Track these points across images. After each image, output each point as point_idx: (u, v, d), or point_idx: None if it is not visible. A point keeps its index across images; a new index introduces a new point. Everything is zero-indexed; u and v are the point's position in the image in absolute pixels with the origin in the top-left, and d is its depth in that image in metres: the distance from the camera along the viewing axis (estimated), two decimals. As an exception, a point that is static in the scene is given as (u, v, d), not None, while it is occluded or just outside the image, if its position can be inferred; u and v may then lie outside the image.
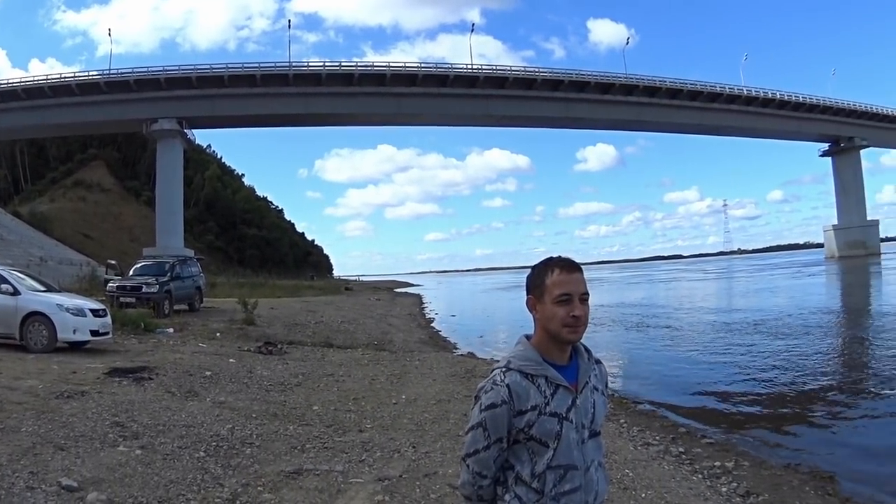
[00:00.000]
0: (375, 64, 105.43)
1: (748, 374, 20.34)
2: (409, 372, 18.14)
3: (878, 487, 10.36)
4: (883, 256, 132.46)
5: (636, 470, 9.81)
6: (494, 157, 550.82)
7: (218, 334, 24.07)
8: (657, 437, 12.94)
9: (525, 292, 3.24)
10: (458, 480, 3.33)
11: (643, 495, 8.67)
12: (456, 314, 54.51)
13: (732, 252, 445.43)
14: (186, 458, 8.70)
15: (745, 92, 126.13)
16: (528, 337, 3.23)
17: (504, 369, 3.09)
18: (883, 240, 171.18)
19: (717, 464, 11.16)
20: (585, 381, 3.19)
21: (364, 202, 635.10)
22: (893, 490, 10.28)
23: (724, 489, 9.84)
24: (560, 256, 3.21)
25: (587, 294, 3.15)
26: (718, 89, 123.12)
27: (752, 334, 29.54)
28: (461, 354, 25.78)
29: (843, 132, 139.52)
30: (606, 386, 3.41)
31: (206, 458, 8.76)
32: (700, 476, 10.39)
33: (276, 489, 7.95)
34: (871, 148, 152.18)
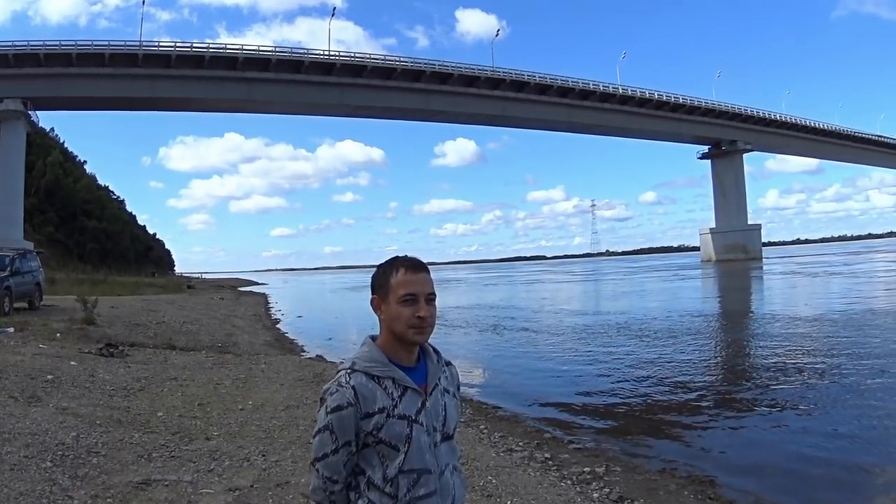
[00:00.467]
0: (228, 46, 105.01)
1: (614, 379, 20.84)
2: (256, 376, 18.11)
3: (761, 490, 10.71)
4: (765, 261, 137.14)
5: (500, 477, 9.90)
6: (347, 149, 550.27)
7: (58, 335, 23.56)
8: (521, 443, 13.06)
9: (370, 292, 3.29)
10: (308, 488, 3.29)
11: (508, 503, 8.79)
12: (303, 315, 54.89)
13: (600, 254, 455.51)
14: (34, 468, 8.60)
15: (621, 91, 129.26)
16: (373, 338, 3.28)
17: (349, 370, 3.12)
18: (766, 244, 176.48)
19: (587, 469, 11.37)
20: (435, 384, 3.25)
21: (208, 194, 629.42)
22: (778, 492, 10.65)
23: (595, 495, 10.04)
24: (406, 256, 3.28)
25: (434, 294, 3.22)
26: (591, 87, 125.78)
27: (617, 337, 30.52)
28: (309, 357, 26.03)
29: (726, 135, 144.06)
30: (458, 388, 3.49)
31: (54, 469, 8.67)
32: (569, 482, 10.54)
33: (126, 501, 7.93)
34: (754, 152, 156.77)
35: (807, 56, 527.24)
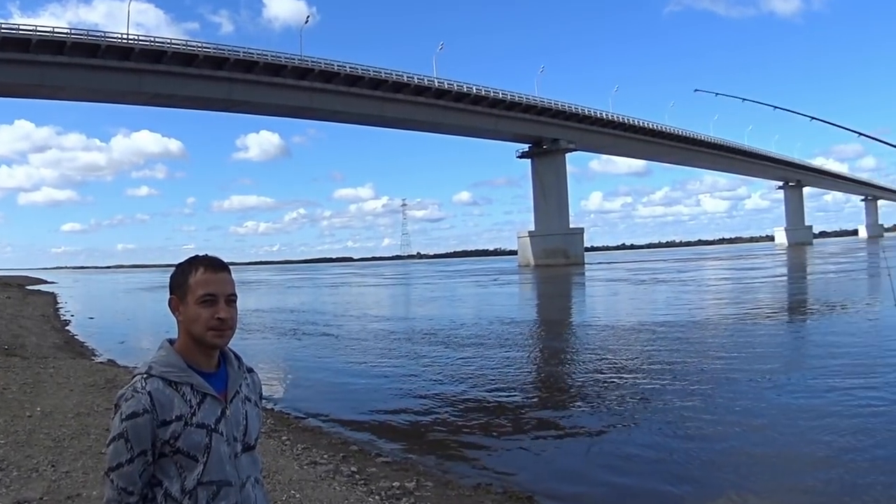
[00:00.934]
0: (21, 27, 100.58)
1: (422, 389, 20.92)
2: (44, 381, 17.69)
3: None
4: (587, 266, 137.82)
5: (304, 491, 9.89)
6: (143, 139, 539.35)
7: None
8: (325, 456, 12.91)
9: (168, 293, 3.24)
10: (102, 500, 3.12)
11: (313, 518, 8.68)
12: (95, 316, 53.75)
13: (411, 256, 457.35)
14: None
15: (437, 84, 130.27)
16: (171, 341, 3.23)
17: (145, 375, 3.06)
18: (589, 249, 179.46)
19: (396, 484, 11.27)
20: (236, 391, 3.25)
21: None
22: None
23: (405, 511, 10.02)
24: (206, 255, 3.25)
25: (234, 295, 3.22)
26: (406, 79, 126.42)
27: (424, 346, 30.59)
28: (101, 362, 25.63)
29: (548, 133, 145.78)
30: (260, 397, 3.49)
31: None
32: (377, 497, 10.49)
33: None
34: (578, 152, 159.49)
35: (637, 53, 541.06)
